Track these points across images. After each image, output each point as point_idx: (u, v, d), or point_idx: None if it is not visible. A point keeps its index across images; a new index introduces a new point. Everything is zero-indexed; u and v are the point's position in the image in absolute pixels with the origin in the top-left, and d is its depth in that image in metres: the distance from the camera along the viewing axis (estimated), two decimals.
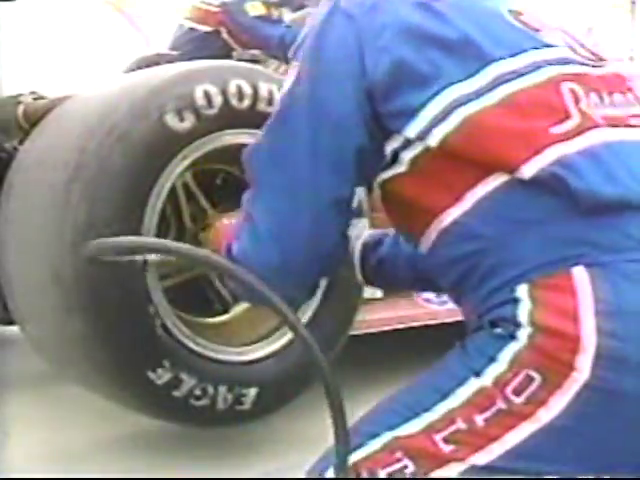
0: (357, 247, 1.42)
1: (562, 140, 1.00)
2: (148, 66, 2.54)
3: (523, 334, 0.98)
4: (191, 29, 3.98)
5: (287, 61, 3.66)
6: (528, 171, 1.00)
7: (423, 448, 1.02)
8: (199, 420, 2.20)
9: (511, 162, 1.01)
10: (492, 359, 1.00)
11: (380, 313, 2.76)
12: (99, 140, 2.01)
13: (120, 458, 2.28)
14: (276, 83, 2.24)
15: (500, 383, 0.99)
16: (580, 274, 0.98)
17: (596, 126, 1.02)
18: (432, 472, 1.02)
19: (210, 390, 2.15)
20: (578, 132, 1.01)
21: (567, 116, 1.02)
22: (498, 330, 1.01)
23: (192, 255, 1.13)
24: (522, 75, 1.03)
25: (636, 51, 6.23)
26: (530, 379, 0.98)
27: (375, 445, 1.05)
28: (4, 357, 3.04)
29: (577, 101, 1.03)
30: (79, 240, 1.94)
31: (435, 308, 2.87)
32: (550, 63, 1.05)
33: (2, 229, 2.24)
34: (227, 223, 1.26)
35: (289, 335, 2.24)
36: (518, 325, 0.99)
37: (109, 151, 2.00)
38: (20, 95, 2.66)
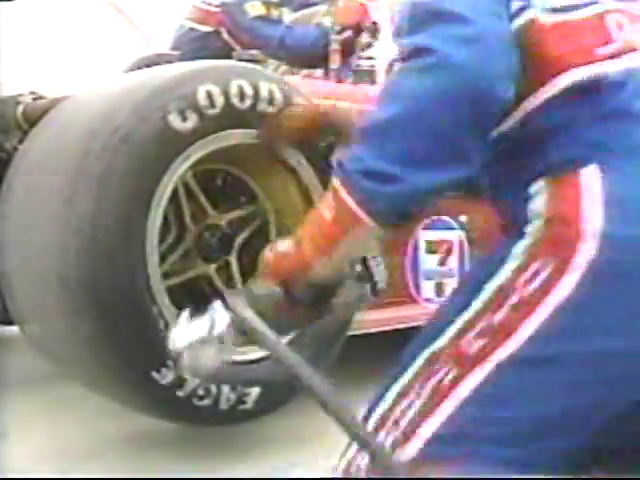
0: None
1: (605, 59, 1.08)
2: (148, 66, 2.54)
3: (535, 226, 1.05)
4: (191, 29, 3.97)
5: (287, 61, 3.67)
6: (565, 80, 1.06)
7: (455, 354, 1.07)
8: (202, 420, 2.21)
9: (561, 66, 1.07)
10: (507, 257, 1.06)
11: (380, 313, 2.76)
12: (103, 141, 2.01)
13: (120, 458, 2.28)
14: (276, 83, 2.24)
15: (514, 278, 1.04)
16: (592, 170, 1.04)
17: (636, 50, 1.10)
18: (469, 373, 1.05)
19: (213, 390, 2.16)
20: (619, 54, 1.09)
21: (610, 40, 1.09)
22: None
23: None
24: (576, 9, 1.10)
25: None
26: (540, 269, 1.03)
27: (418, 363, 1.12)
28: (4, 357, 3.03)
29: (620, 28, 1.10)
30: (83, 241, 1.94)
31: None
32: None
33: (1, 230, 2.24)
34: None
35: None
36: (534, 218, 1.05)
37: (113, 152, 2.00)
38: (20, 95, 2.65)
